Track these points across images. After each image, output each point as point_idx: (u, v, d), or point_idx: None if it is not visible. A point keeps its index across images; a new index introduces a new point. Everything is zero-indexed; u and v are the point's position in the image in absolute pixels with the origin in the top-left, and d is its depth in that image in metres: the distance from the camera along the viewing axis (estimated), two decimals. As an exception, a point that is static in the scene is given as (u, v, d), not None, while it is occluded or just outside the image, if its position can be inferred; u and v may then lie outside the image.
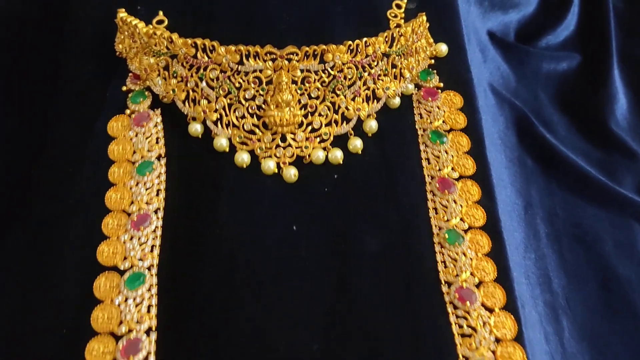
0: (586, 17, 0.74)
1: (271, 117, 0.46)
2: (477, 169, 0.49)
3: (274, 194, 0.46)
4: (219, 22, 0.53)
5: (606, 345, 0.52)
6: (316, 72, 0.47)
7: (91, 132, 0.48)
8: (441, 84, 0.53)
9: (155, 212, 0.44)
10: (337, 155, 0.47)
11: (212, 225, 0.44)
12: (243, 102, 0.47)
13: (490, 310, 0.42)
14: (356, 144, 0.48)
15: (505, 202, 0.55)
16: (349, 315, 0.41)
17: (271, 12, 0.53)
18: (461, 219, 0.46)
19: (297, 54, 0.46)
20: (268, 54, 0.45)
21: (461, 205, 0.46)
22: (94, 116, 0.49)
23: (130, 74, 0.51)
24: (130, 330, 0.39)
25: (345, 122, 0.48)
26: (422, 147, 0.50)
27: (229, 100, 0.47)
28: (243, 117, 0.47)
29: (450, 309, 0.42)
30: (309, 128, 0.48)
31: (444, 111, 0.52)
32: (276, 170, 0.46)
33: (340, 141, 0.48)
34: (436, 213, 0.46)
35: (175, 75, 0.48)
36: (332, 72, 0.47)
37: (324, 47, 0.46)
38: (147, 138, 0.47)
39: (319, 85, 0.47)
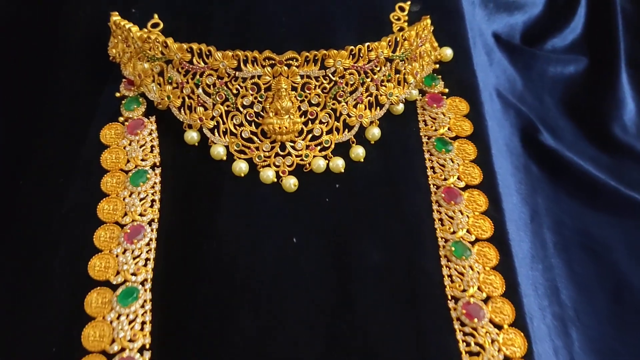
0: (593, 19, 0.73)
1: (270, 125, 0.45)
2: (483, 178, 0.48)
3: (273, 205, 0.45)
4: (215, 25, 0.52)
5: (617, 358, 0.51)
6: (317, 78, 0.46)
7: (83, 140, 0.47)
8: (446, 90, 0.53)
9: (150, 224, 0.43)
10: (339, 163, 0.46)
11: (209, 238, 0.43)
12: (241, 109, 0.46)
13: (499, 327, 0.41)
14: (358, 152, 0.47)
15: (512, 211, 0.54)
16: (350, 333, 0.40)
17: (270, 16, 0.52)
18: (468, 231, 0.45)
19: (296, 60, 0.44)
20: (267, 60, 0.44)
21: (467, 216, 0.45)
22: (86, 123, 0.48)
23: (124, 80, 0.50)
24: (122, 349, 0.38)
25: (347, 129, 0.47)
26: (426, 156, 0.49)
27: (226, 108, 0.46)
28: (241, 124, 0.46)
29: (457, 325, 0.41)
30: (310, 136, 0.47)
31: (450, 118, 0.51)
32: (275, 180, 0.46)
33: (341, 149, 0.47)
34: (442, 224, 0.45)
35: (170, 81, 0.46)
36: (334, 78, 0.46)
37: (324, 52, 0.45)
38: (141, 146, 0.47)
39: (320, 92, 0.46)
